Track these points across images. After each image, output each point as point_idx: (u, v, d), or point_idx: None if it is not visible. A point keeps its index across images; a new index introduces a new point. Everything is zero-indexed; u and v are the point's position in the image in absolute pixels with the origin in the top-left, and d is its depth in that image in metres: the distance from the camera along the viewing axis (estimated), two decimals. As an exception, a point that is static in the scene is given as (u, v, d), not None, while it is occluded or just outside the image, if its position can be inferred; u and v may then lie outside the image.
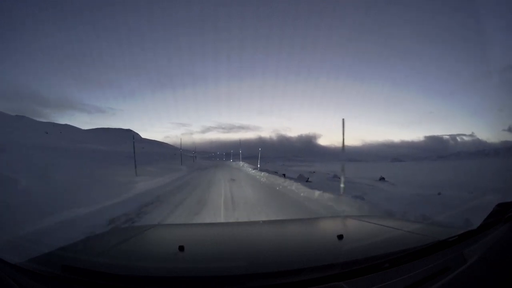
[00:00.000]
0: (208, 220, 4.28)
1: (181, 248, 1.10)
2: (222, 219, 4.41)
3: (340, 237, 1.20)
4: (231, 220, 4.35)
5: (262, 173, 14.62)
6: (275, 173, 15.13)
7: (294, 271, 0.86)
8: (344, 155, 6.96)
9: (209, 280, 0.85)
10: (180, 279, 0.87)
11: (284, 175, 13.47)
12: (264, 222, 3.10)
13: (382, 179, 17.75)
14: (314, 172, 23.44)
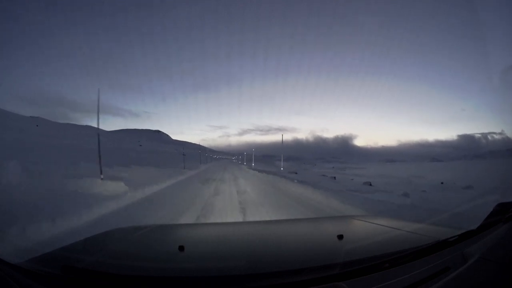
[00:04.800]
0: None
1: (181, 248, 1.10)
2: None
3: (340, 237, 1.20)
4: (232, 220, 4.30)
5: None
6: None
7: (294, 271, 0.86)
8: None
9: (209, 280, 0.85)
10: (180, 279, 0.88)
11: None
12: (264, 222, 3.09)
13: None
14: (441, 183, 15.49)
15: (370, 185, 12.49)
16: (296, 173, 19.54)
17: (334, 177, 18.11)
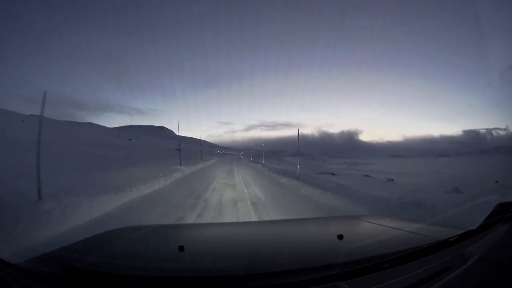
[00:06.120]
0: None
1: (181, 248, 1.10)
2: None
3: (340, 237, 1.20)
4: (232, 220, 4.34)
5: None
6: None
7: (294, 271, 0.87)
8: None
9: (209, 280, 0.86)
10: (180, 279, 0.88)
11: None
12: (264, 222, 3.10)
13: None
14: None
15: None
16: (333, 174, 14.56)
17: (392, 179, 14.62)
